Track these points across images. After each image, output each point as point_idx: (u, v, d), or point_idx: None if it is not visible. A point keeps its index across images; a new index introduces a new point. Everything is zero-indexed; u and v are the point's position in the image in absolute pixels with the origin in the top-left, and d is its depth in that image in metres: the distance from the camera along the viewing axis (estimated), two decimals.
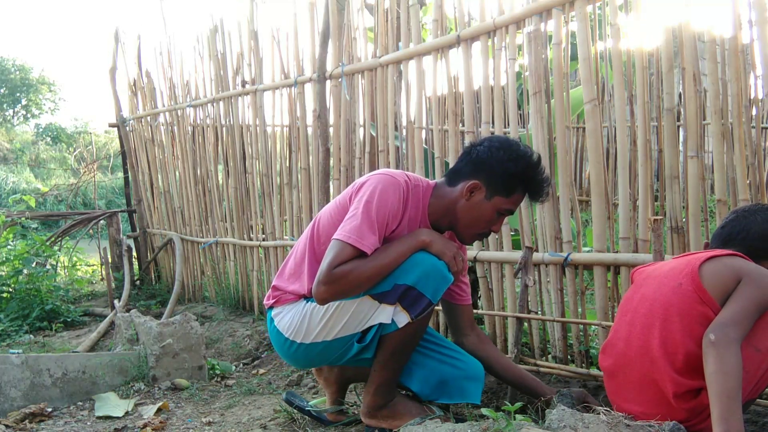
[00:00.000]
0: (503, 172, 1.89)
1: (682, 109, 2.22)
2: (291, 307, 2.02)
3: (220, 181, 4.51)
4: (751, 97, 2.19)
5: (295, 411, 2.30)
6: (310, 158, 3.63)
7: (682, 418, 1.57)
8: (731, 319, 1.51)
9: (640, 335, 1.67)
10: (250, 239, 4.18)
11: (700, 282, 1.59)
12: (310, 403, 2.32)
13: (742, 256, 1.65)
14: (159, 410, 2.59)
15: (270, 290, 2.12)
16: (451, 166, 2.08)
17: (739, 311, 1.53)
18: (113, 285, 4.91)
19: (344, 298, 1.88)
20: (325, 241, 1.95)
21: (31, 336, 4.06)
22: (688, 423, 1.57)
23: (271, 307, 2.09)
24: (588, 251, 2.47)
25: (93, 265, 6.71)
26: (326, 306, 1.92)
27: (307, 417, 2.28)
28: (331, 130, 3.44)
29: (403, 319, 1.90)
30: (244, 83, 4.06)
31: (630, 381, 1.69)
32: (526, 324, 2.53)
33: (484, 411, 1.63)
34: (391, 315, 1.89)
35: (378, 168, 3.13)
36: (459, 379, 2.05)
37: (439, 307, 2.69)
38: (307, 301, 1.98)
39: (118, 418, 2.55)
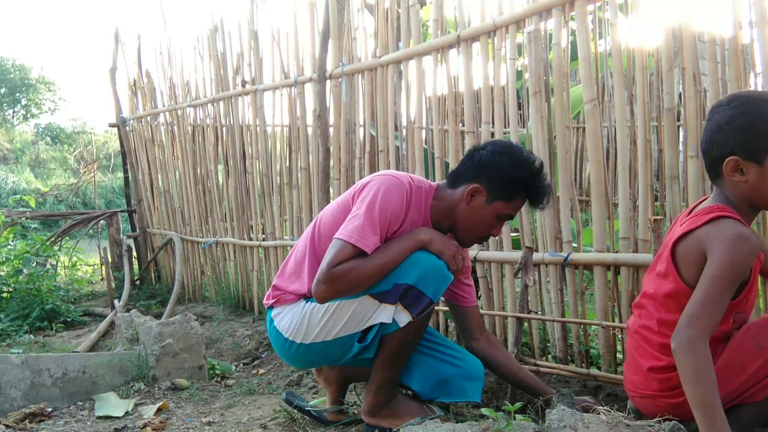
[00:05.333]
0: (505, 177, 1.90)
1: (682, 109, 2.22)
2: (291, 307, 2.02)
3: (220, 181, 4.51)
4: None
5: (295, 411, 2.30)
6: (310, 158, 3.63)
7: (655, 389, 1.60)
8: (689, 316, 1.44)
9: (635, 320, 1.72)
10: (250, 239, 4.18)
11: (674, 269, 1.55)
12: (310, 403, 2.32)
13: (720, 215, 1.51)
14: (159, 410, 2.59)
15: (270, 290, 2.12)
16: (451, 166, 2.08)
17: (699, 303, 1.45)
18: (113, 285, 4.92)
19: (344, 297, 1.88)
20: (326, 241, 1.95)
21: (31, 336, 4.06)
22: (662, 395, 1.58)
23: (270, 307, 2.09)
24: (588, 250, 2.47)
25: (93, 265, 6.71)
26: (326, 306, 1.92)
27: (307, 417, 2.28)
28: (331, 130, 3.44)
29: (404, 318, 1.90)
30: (244, 83, 4.06)
31: (629, 372, 1.75)
32: (526, 324, 2.53)
33: (484, 411, 1.63)
34: (392, 314, 1.89)
35: (378, 168, 3.13)
36: (459, 377, 2.05)
37: (443, 307, 2.69)
38: (307, 301, 1.98)
39: (118, 418, 2.55)
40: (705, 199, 1.69)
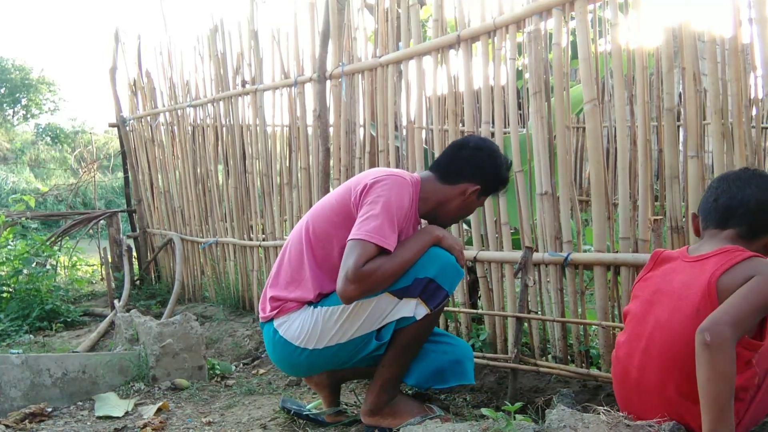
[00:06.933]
0: (497, 179, 2.12)
1: (682, 109, 2.22)
2: (297, 314, 1.99)
3: (220, 181, 4.51)
4: (751, 97, 2.19)
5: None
6: (310, 158, 3.63)
7: None
8: (731, 316, 1.39)
9: (657, 370, 1.57)
10: (250, 239, 4.19)
11: (719, 305, 1.47)
12: (308, 406, 2.32)
13: (757, 255, 1.54)
14: (159, 410, 2.59)
15: (267, 302, 2.07)
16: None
17: (740, 308, 1.41)
18: (113, 285, 4.91)
19: (371, 295, 1.90)
20: (327, 244, 1.97)
21: (31, 336, 4.06)
22: None
23: (270, 319, 2.05)
24: (588, 250, 2.47)
25: (93, 265, 6.70)
26: (340, 308, 1.93)
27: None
28: (331, 130, 3.44)
29: (422, 311, 1.95)
30: (244, 83, 4.06)
31: (646, 408, 1.60)
32: (526, 324, 2.53)
33: (484, 411, 1.64)
34: (414, 308, 1.94)
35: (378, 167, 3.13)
36: (453, 363, 2.10)
37: None
38: (315, 307, 1.97)
39: (118, 418, 2.55)
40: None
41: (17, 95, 28.70)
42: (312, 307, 1.98)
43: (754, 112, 4.47)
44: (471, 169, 2.07)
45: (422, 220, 2.15)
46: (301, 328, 1.97)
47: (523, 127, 2.72)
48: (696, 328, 1.45)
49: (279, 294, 2.04)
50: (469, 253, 2.70)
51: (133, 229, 5.74)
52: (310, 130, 3.66)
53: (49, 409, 2.63)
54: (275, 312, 2.03)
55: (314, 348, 1.97)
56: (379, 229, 1.83)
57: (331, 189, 3.44)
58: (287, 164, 3.82)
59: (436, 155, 2.85)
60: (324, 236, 1.99)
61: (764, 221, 1.61)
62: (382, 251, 1.83)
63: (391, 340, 1.99)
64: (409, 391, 2.16)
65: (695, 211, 1.81)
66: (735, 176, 1.68)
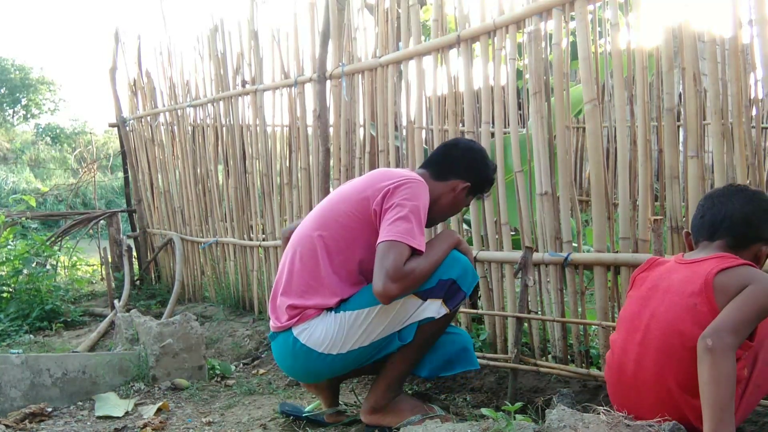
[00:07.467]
0: (487, 179, 2.20)
1: (682, 109, 2.22)
2: (318, 321, 1.97)
3: (220, 181, 4.51)
4: (751, 97, 2.19)
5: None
6: (310, 158, 3.63)
7: None
8: (730, 324, 1.45)
9: (654, 362, 1.60)
10: (250, 239, 4.19)
11: (715, 304, 1.52)
12: (307, 408, 2.32)
13: (751, 264, 1.60)
14: (159, 410, 2.59)
15: (284, 311, 2.03)
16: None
17: (739, 316, 1.47)
18: (113, 285, 4.91)
19: (408, 294, 1.93)
20: (345, 251, 1.98)
21: (31, 336, 4.06)
22: None
23: (288, 328, 2.01)
24: (588, 250, 2.47)
25: (93, 265, 6.70)
26: (365, 312, 1.94)
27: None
28: (331, 130, 3.44)
29: (442, 311, 1.99)
30: (244, 83, 4.06)
31: (644, 404, 1.63)
32: (526, 324, 2.53)
33: (484, 411, 1.64)
34: (438, 309, 1.98)
35: (378, 167, 3.13)
36: (459, 351, 2.15)
37: None
38: (336, 312, 1.97)
39: (118, 418, 2.55)
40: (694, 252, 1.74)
41: (17, 95, 28.71)
42: (333, 312, 1.97)
43: (754, 112, 4.47)
44: (463, 166, 2.15)
45: None
46: (325, 334, 1.95)
47: (523, 127, 2.72)
48: (692, 322, 1.52)
49: (296, 302, 2.00)
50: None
51: (133, 229, 5.74)
52: (310, 130, 3.66)
53: (49, 409, 2.63)
54: (295, 320, 1.99)
55: (338, 353, 1.96)
56: (411, 232, 1.88)
57: (331, 189, 3.43)
58: (287, 164, 3.82)
59: None
60: (341, 242, 1.99)
61: (748, 233, 1.68)
62: (414, 252, 1.88)
63: None
64: (409, 391, 2.16)
65: (694, 209, 1.84)
66: (719, 193, 1.75)
